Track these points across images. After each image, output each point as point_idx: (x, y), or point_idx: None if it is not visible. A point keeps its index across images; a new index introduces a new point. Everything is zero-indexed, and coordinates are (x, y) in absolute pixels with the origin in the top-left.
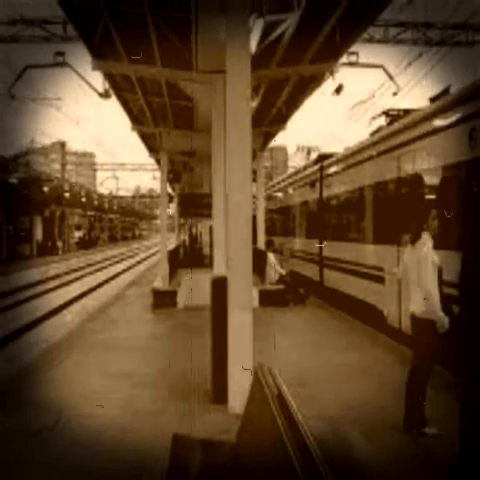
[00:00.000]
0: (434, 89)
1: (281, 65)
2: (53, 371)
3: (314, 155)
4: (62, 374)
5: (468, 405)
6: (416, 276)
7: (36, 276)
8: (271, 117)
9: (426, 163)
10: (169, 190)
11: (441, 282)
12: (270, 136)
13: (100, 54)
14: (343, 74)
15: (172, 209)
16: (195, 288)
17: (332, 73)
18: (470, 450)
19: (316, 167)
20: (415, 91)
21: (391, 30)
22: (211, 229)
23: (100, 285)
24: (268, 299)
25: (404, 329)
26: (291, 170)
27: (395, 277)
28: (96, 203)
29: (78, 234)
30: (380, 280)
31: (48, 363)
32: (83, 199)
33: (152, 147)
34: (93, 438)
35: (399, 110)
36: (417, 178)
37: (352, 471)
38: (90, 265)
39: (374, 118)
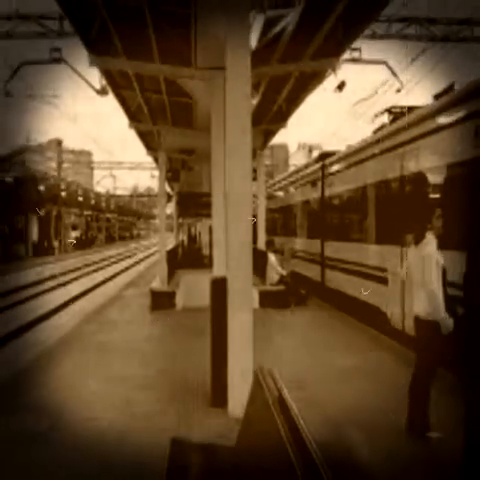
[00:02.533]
0: (438, 86)
1: (282, 61)
2: (50, 374)
3: (316, 153)
4: (59, 377)
5: (472, 408)
6: (420, 277)
7: (32, 277)
8: (272, 115)
9: (430, 161)
10: (167, 189)
11: (445, 283)
12: (271, 134)
13: (97, 50)
14: (345, 70)
15: (171, 208)
16: (194, 289)
17: (334, 69)
18: (474, 455)
19: (318, 166)
20: (419, 88)
21: (394, 26)
22: (210, 229)
23: (97, 286)
24: (268, 300)
25: (408, 331)
26: (292, 169)
27: (398, 278)
28: (93, 202)
29: (75, 234)
30: (383, 281)
31: (45, 366)
32: (80, 198)
33: (150, 145)
34: (91, 442)
35: (403, 107)
36: (421, 177)
37: (354, 475)
38: (87, 265)
39: (377, 115)
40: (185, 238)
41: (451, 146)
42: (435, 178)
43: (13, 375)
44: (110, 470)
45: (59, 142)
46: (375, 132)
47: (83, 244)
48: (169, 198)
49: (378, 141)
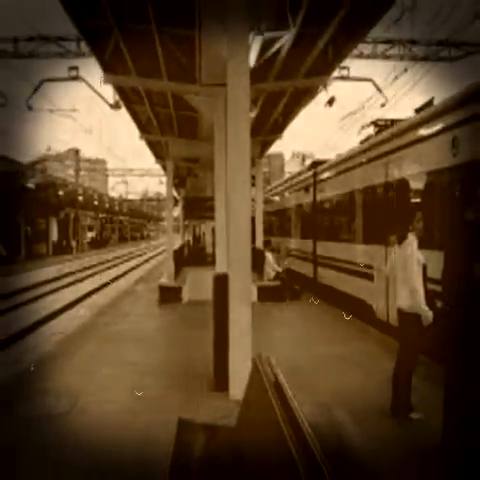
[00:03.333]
0: (419, 101)
1: (278, 79)
2: (68, 361)
3: (308, 161)
4: (76, 363)
5: (450, 391)
6: (402, 273)
7: (52, 273)
8: (269, 126)
9: (412, 169)
10: (175, 194)
11: (425, 279)
12: (268, 144)
13: (111, 68)
14: (335, 87)
15: (177, 211)
16: (199, 284)
17: (325, 86)
18: (451, 433)
19: (310, 173)
20: (401, 103)
21: (379, 46)
22: (213, 230)
23: (111, 282)
24: (266, 295)
25: (391, 322)
26: (287, 175)
27: (383, 274)
28: (107, 206)
29: (90, 234)
30: (370, 277)
31: (63, 353)
32: (95, 202)
33: (159, 154)
34: (105, 422)
35: (387, 120)
36: (403, 183)
37: (342, 451)
38: (101, 263)
39: (363, 127)
40: (190, 238)
41: (431, 155)
42: (416, 184)
43: (36, 361)
44: (122, 446)
45: (77, 151)
46: (362, 142)
47: (98, 244)
48: (176, 202)
49: (364, 151)
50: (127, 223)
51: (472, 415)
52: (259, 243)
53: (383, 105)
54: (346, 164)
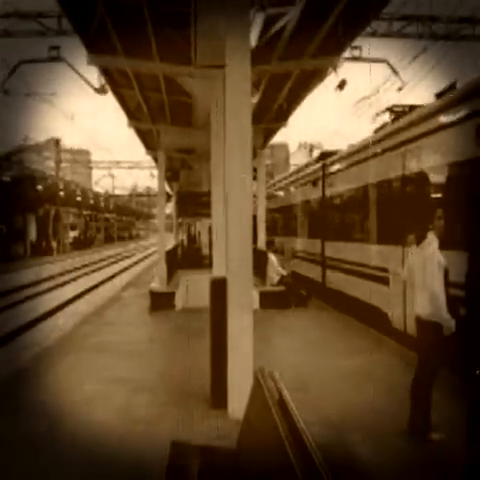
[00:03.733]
0: (440, 84)
1: (282, 59)
2: (47, 376)
3: (316, 153)
4: (56, 379)
5: (474, 409)
6: (421, 277)
7: (30, 277)
8: (272, 113)
9: (432, 161)
10: (167, 189)
11: (447, 283)
12: (271, 133)
13: (96, 48)
14: (346, 69)
15: (170, 208)
16: (193, 289)
17: (335, 68)
18: (476, 457)
19: (318, 165)
20: (420, 86)
21: (395, 24)
22: (210, 229)
23: (95, 286)
24: (269, 301)
25: (409, 331)
26: (293, 168)
27: (400, 278)
28: (91, 202)
29: (73, 234)
30: (385, 281)
31: (41, 368)
32: (78, 198)
33: (149, 144)
34: (89, 445)
35: (404, 106)
36: (422, 176)
37: (355, 478)
38: (85, 266)
39: (378, 114)
40: (184, 238)
41: (453, 145)
42: (437, 178)
43: (9, 377)
44: (110, 473)
45: (57, 141)
46: (376, 131)
47: (81, 244)
48: (168, 198)
49: (379, 140)
50: (114, 221)
51: None
52: (261, 243)
53: (400, 89)
54: (358, 155)
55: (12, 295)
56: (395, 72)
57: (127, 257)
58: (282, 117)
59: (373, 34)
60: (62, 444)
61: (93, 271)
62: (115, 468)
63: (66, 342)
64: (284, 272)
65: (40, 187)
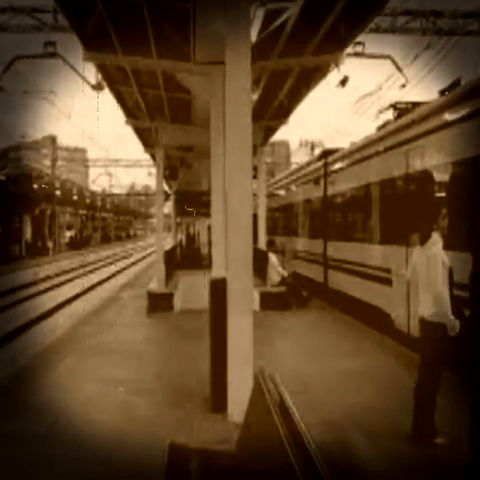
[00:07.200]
0: (444, 81)
1: (283, 56)
2: (45, 377)
3: (318, 150)
4: (54, 380)
5: (477, 412)
6: (425, 277)
7: (27, 277)
8: (273, 110)
9: (436, 159)
10: (165, 187)
11: (451, 283)
12: (272, 130)
13: (93, 44)
14: (348, 65)
15: (168, 207)
16: (192, 290)
17: (337, 64)
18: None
19: (320, 163)
20: (424, 83)
21: (399, 19)
22: (209, 228)
23: (93, 287)
24: (269, 302)
25: (412, 333)
26: (294, 166)
27: (403, 279)
28: (88, 201)
29: (69, 234)
30: (388, 282)
31: (40, 368)
32: (75, 197)
33: (147, 142)
34: (87, 447)
35: (407, 103)
36: (426, 175)
37: None
38: (82, 266)
39: (381, 112)
40: (183, 238)
41: (458, 143)
42: (441, 176)
43: (10, 376)
44: (107, 476)
45: (53, 139)
46: (379, 128)
47: (78, 244)
48: (167, 197)
49: (382, 138)
50: (111, 221)
51: None
52: (262, 243)
53: (403, 86)
54: (361, 153)
55: (9, 296)
56: (398, 68)
57: (124, 257)
58: (283, 114)
59: (376, 30)
60: (61, 444)
61: (90, 272)
62: (113, 472)
63: (65, 342)
64: (285, 272)
65: (36, 186)
